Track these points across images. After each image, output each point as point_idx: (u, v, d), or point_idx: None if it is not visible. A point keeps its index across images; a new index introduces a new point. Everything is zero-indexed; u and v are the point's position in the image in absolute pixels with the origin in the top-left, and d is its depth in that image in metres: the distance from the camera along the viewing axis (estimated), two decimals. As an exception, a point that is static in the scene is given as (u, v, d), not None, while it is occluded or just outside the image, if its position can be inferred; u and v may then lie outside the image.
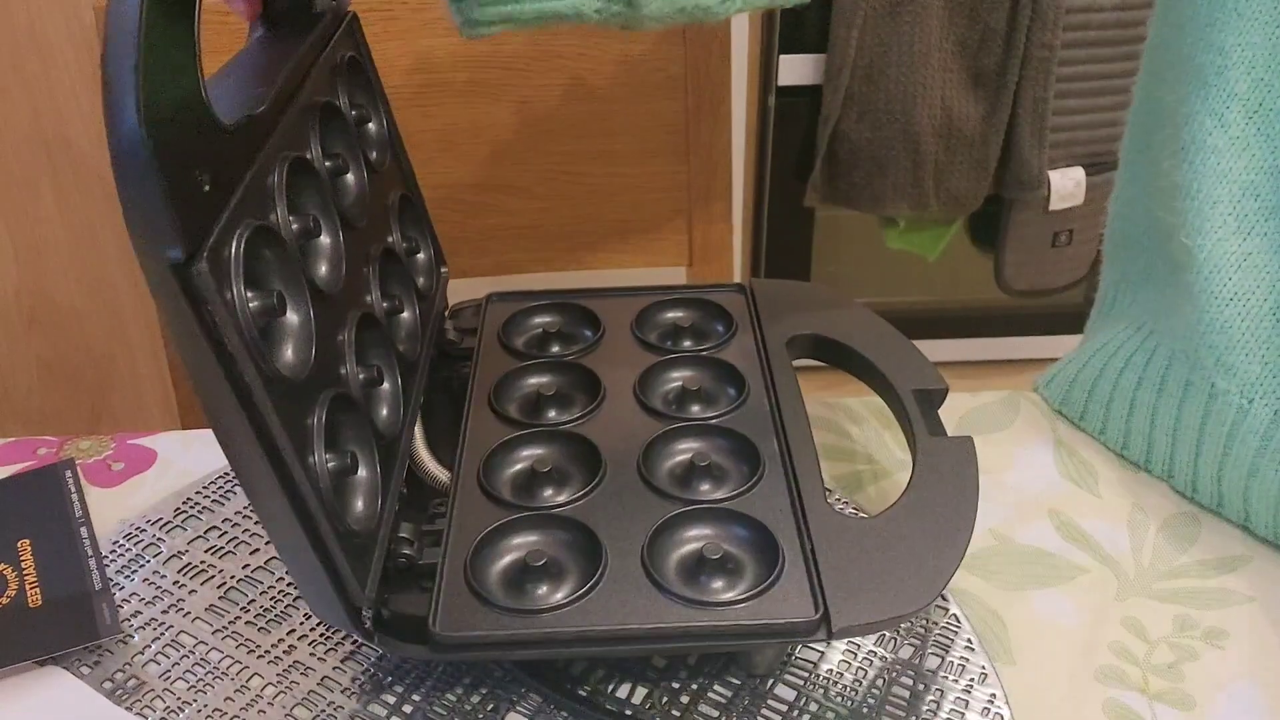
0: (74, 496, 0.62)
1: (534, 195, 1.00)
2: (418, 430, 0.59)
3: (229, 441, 0.42)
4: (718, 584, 0.49)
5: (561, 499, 0.53)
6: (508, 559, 0.51)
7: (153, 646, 0.54)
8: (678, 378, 0.62)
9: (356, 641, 0.53)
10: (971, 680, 0.51)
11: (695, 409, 0.60)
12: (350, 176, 0.58)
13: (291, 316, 0.47)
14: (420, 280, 0.66)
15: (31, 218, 1.41)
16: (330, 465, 0.46)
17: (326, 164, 0.55)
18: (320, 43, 0.58)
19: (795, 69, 1.64)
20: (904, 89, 1.58)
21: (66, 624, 0.54)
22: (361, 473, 0.50)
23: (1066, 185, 1.65)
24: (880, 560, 0.49)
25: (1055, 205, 1.66)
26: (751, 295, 0.68)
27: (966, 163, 1.62)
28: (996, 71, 1.59)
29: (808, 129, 1.67)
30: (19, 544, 0.59)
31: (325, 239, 0.52)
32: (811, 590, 0.48)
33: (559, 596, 0.48)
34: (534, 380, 0.62)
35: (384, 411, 0.55)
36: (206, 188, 0.40)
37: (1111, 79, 1.62)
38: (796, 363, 0.63)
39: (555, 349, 0.65)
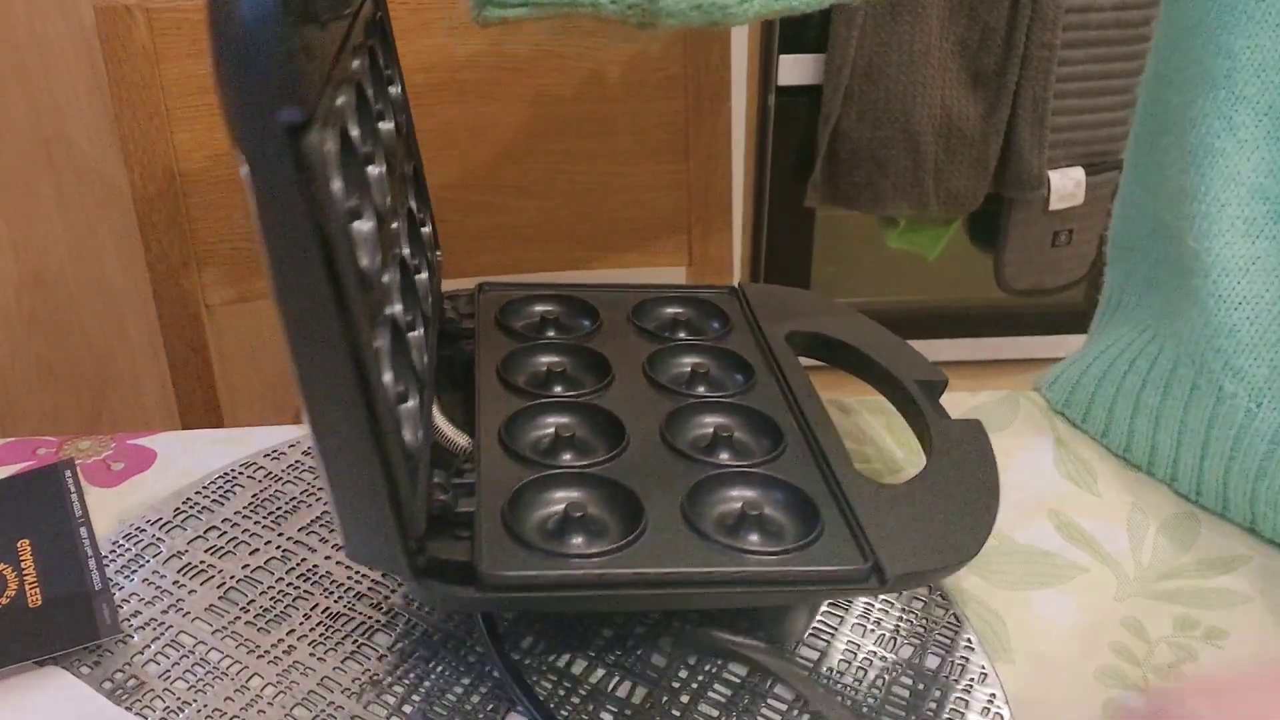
0: (74, 496, 0.62)
1: (533, 195, 1.00)
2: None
3: (312, 337, 0.40)
4: (757, 539, 0.48)
5: (589, 462, 0.53)
6: (545, 510, 0.50)
7: (153, 646, 0.54)
8: (685, 362, 0.62)
9: (357, 641, 0.53)
10: (971, 680, 0.51)
11: (704, 390, 0.59)
12: (386, 124, 0.58)
13: (364, 225, 0.46)
14: (427, 253, 0.66)
15: (31, 217, 1.41)
16: (394, 390, 0.45)
17: (376, 106, 0.55)
18: None
19: (795, 69, 1.64)
20: (904, 88, 1.58)
21: (66, 624, 0.54)
22: (410, 402, 0.49)
23: (1066, 185, 1.65)
24: (920, 519, 0.49)
25: (1055, 205, 1.67)
26: (744, 297, 0.68)
27: (966, 162, 1.62)
28: (996, 71, 1.59)
29: (808, 129, 1.67)
30: (19, 544, 0.59)
31: (376, 169, 0.52)
32: (858, 545, 0.47)
33: (602, 546, 0.47)
34: (542, 359, 0.62)
35: (414, 358, 0.54)
36: (311, 62, 0.39)
37: (1111, 79, 1.62)
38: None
39: (553, 335, 0.65)
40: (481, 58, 0.93)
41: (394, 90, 0.64)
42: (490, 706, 0.50)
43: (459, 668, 0.52)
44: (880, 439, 0.68)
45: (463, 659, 0.52)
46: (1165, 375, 0.62)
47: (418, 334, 0.55)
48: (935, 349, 1.91)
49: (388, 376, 0.45)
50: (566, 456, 0.53)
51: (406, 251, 0.56)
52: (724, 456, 0.54)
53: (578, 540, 0.48)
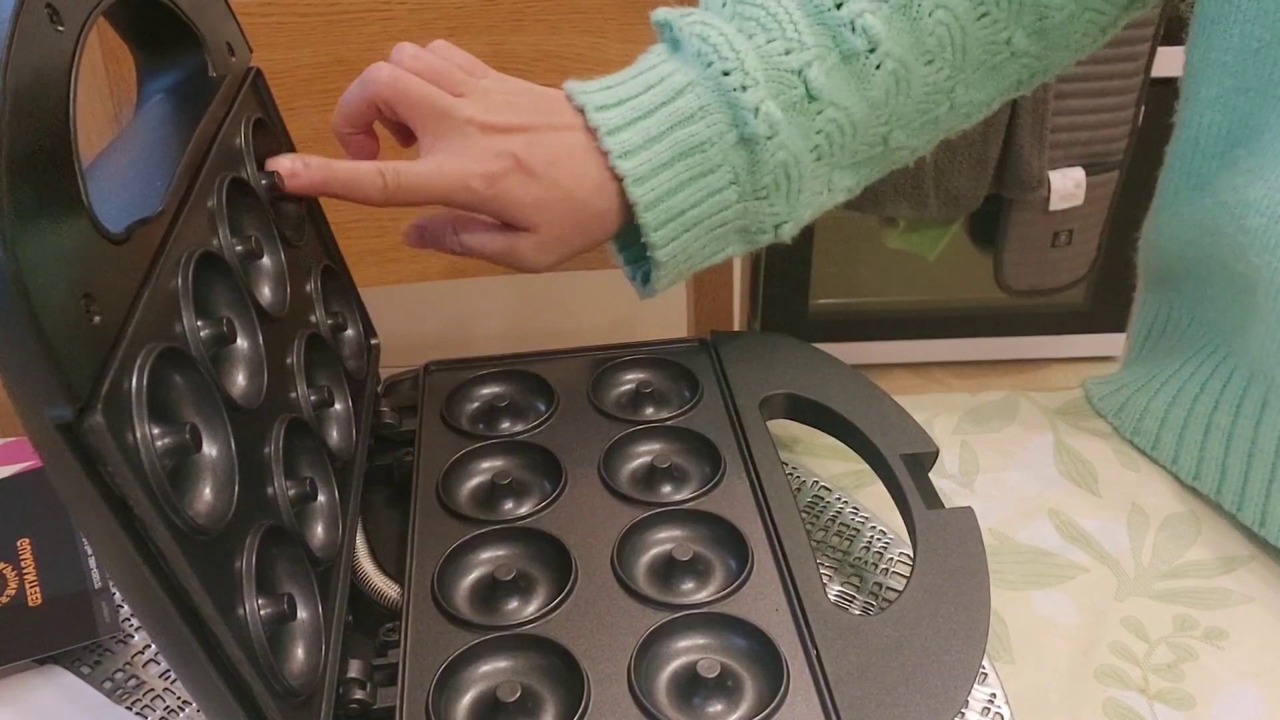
0: (73, 496, 0.62)
1: (534, 195, 0.99)
2: (360, 540, 0.54)
3: (140, 609, 0.36)
4: (717, 707, 0.44)
5: (530, 611, 0.48)
6: (475, 691, 0.45)
7: (153, 646, 0.54)
8: (645, 453, 0.57)
9: (356, 641, 0.53)
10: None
11: (667, 489, 0.55)
12: (266, 259, 0.52)
13: (208, 450, 0.40)
14: (349, 360, 0.60)
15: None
16: (264, 613, 0.40)
17: (238, 249, 0.49)
18: (222, 109, 0.52)
19: (795, 69, 1.64)
20: (903, 89, 1.58)
21: (66, 623, 0.54)
22: (301, 614, 0.43)
23: (1066, 185, 1.65)
24: (896, 666, 0.44)
25: (1055, 205, 1.67)
26: (715, 352, 0.63)
27: (966, 163, 1.62)
28: (996, 71, 1.59)
29: (807, 129, 1.67)
30: (19, 543, 0.59)
31: (242, 342, 0.46)
32: (824, 709, 0.43)
33: None
34: (486, 464, 0.57)
35: (320, 530, 0.49)
36: (96, 319, 0.34)
37: (1111, 79, 1.62)
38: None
39: (506, 424, 0.60)
40: (481, 58, 0.93)
41: (288, 206, 0.58)
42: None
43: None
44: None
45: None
46: (1239, 395, 0.60)
47: (322, 499, 0.50)
48: (935, 349, 1.91)
49: (249, 608, 0.40)
50: (512, 605, 0.49)
51: (303, 391, 0.51)
52: (684, 584, 0.49)
53: None
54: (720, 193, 0.57)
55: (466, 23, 0.91)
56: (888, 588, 0.56)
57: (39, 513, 0.61)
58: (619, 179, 0.55)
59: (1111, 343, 1.88)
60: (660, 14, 0.59)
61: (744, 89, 0.56)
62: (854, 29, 0.57)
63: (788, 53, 0.57)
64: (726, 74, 0.56)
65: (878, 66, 0.58)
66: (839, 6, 0.57)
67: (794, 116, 0.57)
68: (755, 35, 0.57)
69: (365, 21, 0.90)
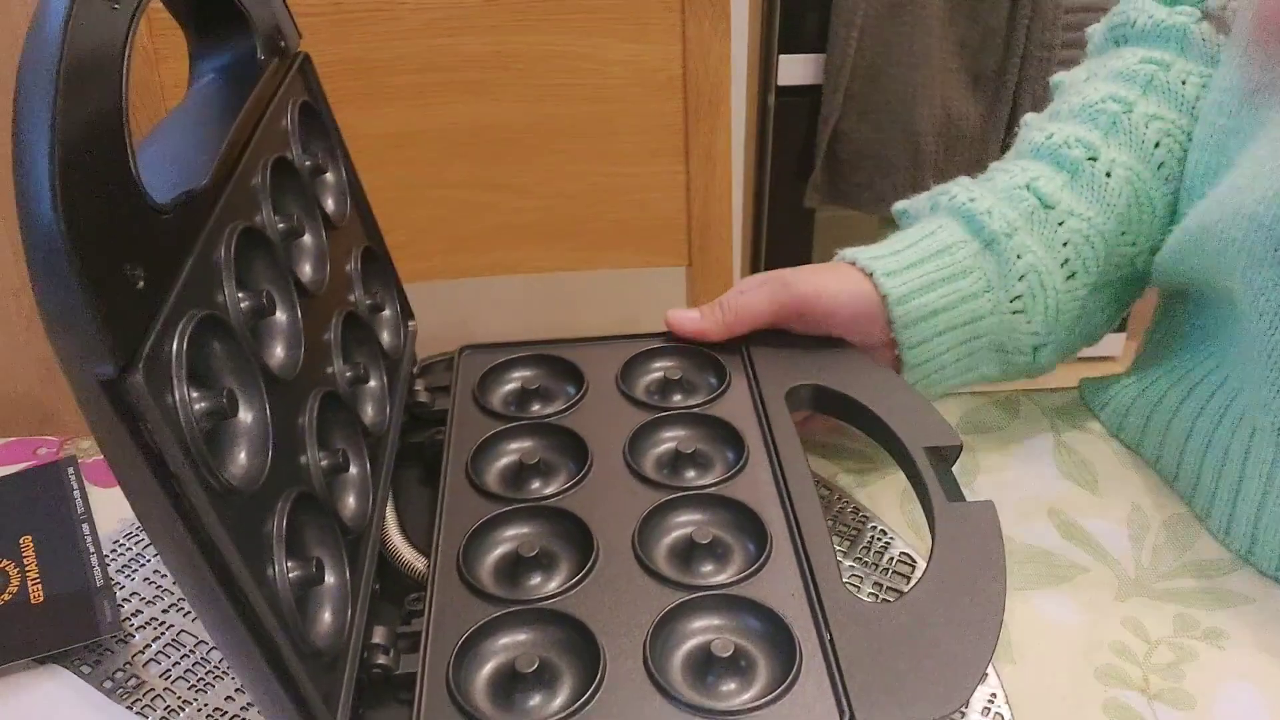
0: (75, 493, 0.62)
1: (534, 195, 1.00)
2: (389, 512, 0.55)
3: (174, 564, 0.38)
4: (729, 686, 0.45)
5: (552, 587, 0.49)
6: (494, 663, 0.46)
7: (153, 645, 0.54)
8: (670, 438, 0.58)
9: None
10: (972, 679, 0.51)
11: (691, 474, 0.56)
12: (307, 238, 0.54)
13: (244, 415, 0.42)
14: (386, 339, 0.62)
15: (31, 217, 1.40)
16: (293, 575, 0.42)
17: (280, 226, 0.50)
18: (269, 91, 0.53)
19: (795, 69, 1.64)
20: (904, 89, 1.58)
21: (67, 621, 0.54)
22: (329, 579, 0.45)
23: (1066, 186, 1.66)
24: (907, 653, 0.45)
25: (1055, 205, 1.67)
26: (744, 342, 0.64)
27: (966, 162, 1.62)
28: (996, 71, 1.59)
29: (808, 129, 1.67)
30: (21, 540, 0.59)
31: (280, 315, 0.48)
32: (835, 692, 0.43)
33: (555, 706, 0.44)
34: (515, 445, 0.58)
35: (351, 500, 0.50)
36: (141, 284, 0.36)
37: (1112, 79, 1.62)
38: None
39: (536, 407, 0.61)
40: (482, 58, 0.93)
41: (329, 177, 0.60)
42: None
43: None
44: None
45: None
46: (1225, 403, 0.60)
47: (354, 471, 0.51)
48: (935, 349, 1.91)
49: (279, 569, 0.41)
50: (535, 580, 0.50)
51: (339, 366, 0.53)
52: (703, 566, 0.50)
53: (532, 700, 0.44)
54: (974, 299, 0.60)
55: (469, 23, 0.91)
56: (888, 587, 0.56)
57: (41, 509, 0.61)
58: (869, 274, 0.60)
59: (1111, 343, 1.88)
60: (898, 205, 0.68)
61: (972, 200, 0.61)
62: (1069, 145, 0.61)
63: (1010, 176, 0.62)
64: (953, 197, 0.62)
65: (1108, 174, 0.61)
66: (1050, 137, 0.62)
67: (1032, 225, 0.60)
68: (975, 182, 0.63)
69: (369, 21, 0.90)
